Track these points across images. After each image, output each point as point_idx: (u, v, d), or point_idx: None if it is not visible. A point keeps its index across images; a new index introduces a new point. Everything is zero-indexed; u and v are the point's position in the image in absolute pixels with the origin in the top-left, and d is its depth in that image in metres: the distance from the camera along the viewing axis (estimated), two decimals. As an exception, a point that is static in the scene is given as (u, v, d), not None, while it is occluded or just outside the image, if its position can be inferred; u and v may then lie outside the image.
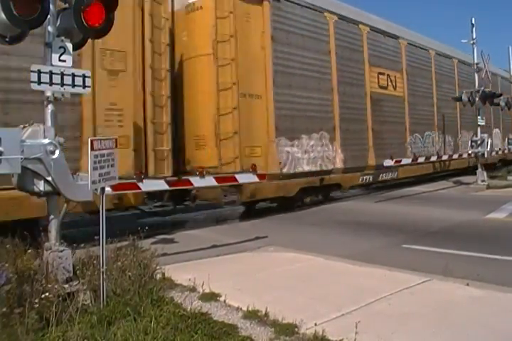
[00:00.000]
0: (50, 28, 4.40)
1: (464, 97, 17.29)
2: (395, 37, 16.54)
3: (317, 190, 12.45)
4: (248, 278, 5.57)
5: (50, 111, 4.49)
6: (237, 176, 8.11)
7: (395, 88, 16.24)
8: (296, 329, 3.82)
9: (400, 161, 14.09)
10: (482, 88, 17.35)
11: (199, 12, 10.19)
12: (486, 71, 18.28)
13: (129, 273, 4.65)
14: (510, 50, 25.49)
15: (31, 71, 4.23)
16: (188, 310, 4.09)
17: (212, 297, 4.68)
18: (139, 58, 8.63)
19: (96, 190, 4.38)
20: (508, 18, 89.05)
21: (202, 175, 7.70)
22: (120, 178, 7.54)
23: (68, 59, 4.49)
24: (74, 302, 3.98)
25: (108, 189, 5.01)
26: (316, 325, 3.89)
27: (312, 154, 12.11)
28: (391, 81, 16.02)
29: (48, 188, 4.39)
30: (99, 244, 4.28)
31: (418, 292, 4.88)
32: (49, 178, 4.35)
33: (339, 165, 13.01)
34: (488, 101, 17.71)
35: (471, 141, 17.61)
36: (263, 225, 9.82)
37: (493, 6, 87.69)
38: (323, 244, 7.59)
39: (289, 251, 7.02)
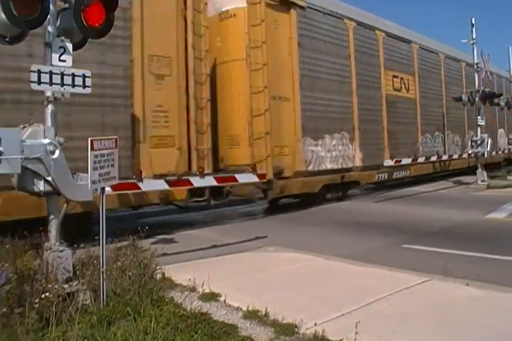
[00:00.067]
0: (50, 28, 4.39)
1: (464, 97, 17.37)
2: (408, 41, 17.05)
3: (337, 187, 13.18)
4: (248, 278, 5.58)
5: (50, 111, 4.48)
6: (237, 176, 8.17)
7: (407, 90, 16.80)
8: (296, 329, 3.82)
9: (400, 161, 14.37)
10: (482, 88, 17.37)
11: (232, 19, 10.95)
12: (486, 71, 18.29)
13: (129, 273, 4.65)
14: (510, 50, 25.47)
15: (31, 71, 4.22)
16: (188, 310, 4.09)
17: (212, 297, 4.68)
18: (183, 63, 9.24)
19: (96, 190, 4.38)
20: (508, 18, 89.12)
21: (202, 175, 7.74)
22: (166, 175, 7.91)
23: (68, 59, 4.48)
24: (74, 302, 3.98)
25: (108, 189, 5.00)
26: (316, 324, 3.89)
27: (334, 153, 12.84)
28: (404, 83, 16.61)
29: (48, 188, 4.39)
30: (99, 244, 4.28)
31: (418, 292, 4.88)
32: (49, 178, 4.34)
33: (358, 163, 13.73)
34: (488, 101, 17.75)
35: (471, 141, 17.65)
36: (263, 225, 9.83)
37: (493, 6, 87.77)
38: (323, 244, 7.59)
39: (289, 251, 7.02)
